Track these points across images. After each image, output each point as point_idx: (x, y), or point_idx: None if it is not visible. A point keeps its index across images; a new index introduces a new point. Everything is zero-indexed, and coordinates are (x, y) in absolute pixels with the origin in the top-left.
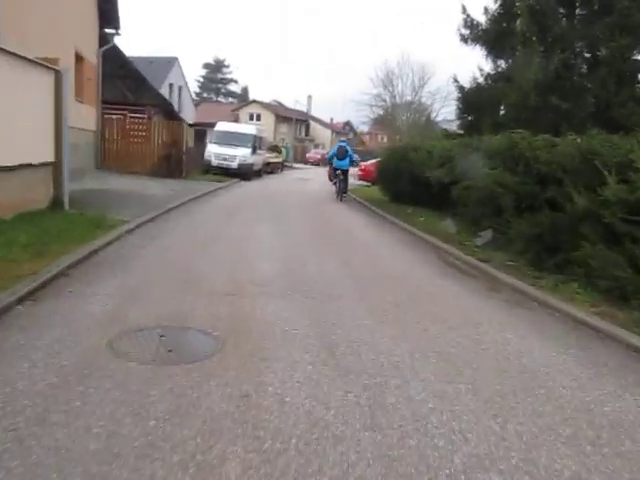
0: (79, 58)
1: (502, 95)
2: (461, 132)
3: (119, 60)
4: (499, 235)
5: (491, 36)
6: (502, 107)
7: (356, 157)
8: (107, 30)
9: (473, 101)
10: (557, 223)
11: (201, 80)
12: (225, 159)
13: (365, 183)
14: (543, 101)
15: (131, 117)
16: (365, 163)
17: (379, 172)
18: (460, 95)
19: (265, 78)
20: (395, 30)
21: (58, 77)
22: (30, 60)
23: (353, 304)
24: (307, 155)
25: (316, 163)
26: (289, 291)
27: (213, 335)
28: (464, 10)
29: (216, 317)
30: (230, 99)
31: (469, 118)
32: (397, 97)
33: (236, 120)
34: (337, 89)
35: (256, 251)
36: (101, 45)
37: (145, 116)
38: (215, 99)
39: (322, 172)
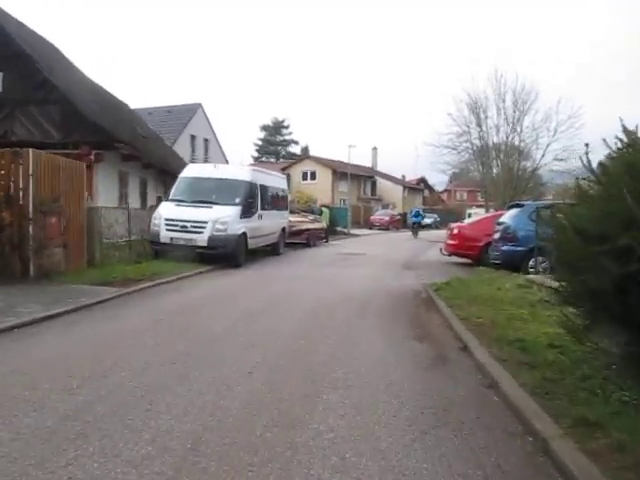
0: None
1: None
2: None
3: (35, 77)
4: None
5: None
6: None
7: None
8: None
9: None
10: None
11: (259, 143)
12: (185, 229)
13: (460, 259)
14: None
15: None
16: (459, 224)
17: (560, 247)
18: None
19: (326, 136)
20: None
21: None
22: None
23: None
24: (371, 218)
25: (384, 227)
26: None
27: None
28: None
29: None
30: (290, 161)
31: None
32: (492, 133)
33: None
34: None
35: None
36: None
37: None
38: (275, 162)
39: (390, 240)
